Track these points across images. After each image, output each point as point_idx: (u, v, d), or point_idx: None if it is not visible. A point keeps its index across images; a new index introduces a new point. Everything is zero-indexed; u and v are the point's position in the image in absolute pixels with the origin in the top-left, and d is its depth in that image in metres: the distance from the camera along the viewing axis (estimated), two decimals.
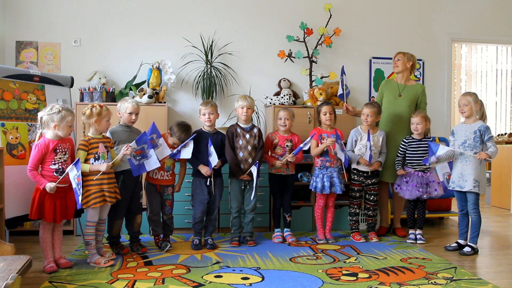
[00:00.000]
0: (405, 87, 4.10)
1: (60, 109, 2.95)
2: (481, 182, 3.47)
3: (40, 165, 2.94)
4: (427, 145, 3.80)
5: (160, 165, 3.32)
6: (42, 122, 2.96)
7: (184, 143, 3.46)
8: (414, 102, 4.08)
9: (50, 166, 2.93)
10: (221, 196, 3.71)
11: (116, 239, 3.49)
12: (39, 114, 2.99)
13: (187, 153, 3.47)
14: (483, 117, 3.55)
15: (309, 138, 3.75)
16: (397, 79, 4.18)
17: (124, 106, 3.40)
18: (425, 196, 3.80)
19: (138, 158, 3.24)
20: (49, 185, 2.88)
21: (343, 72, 4.12)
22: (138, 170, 3.28)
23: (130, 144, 3.16)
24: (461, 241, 3.64)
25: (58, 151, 2.96)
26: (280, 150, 3.84)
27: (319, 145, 3.81)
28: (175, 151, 3.48)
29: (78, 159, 2.96)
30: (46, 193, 2.91)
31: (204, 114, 3.64)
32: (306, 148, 3.74)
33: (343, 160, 3.75)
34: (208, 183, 3.60)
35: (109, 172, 3.13)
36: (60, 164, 2.95)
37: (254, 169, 3.53)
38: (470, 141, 3.49)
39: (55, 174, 2.93)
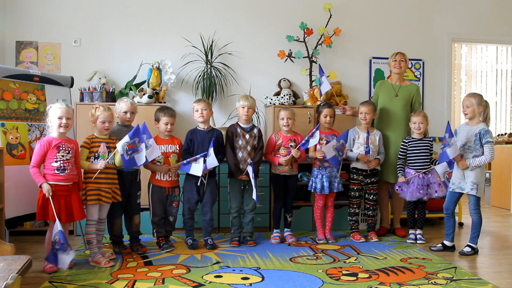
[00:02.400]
0: (400, 87, 4.14)
1: (52, 105, 3.02)
2: (480, 185, 3.45)
3: (43, 163, 2.95)
4: (427, 145, 3.82)
5: (148, 161, 3.24)
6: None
7: (197, 158, 3.44)
8: (409, 102, 4.12)
9: (52, 164, 2.93)
10: (213, 197, 3.69)
11: (119, 238, 3.50)
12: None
13: (197, 169, 3.43)
14: (486, 119, 3.49)
15: (315, 130, 3.68)
16: (392, 80, 4.21)
17: (119, 106, 3.43)
18: (425, 198, 3.81)
19: (129, 152, 3.14)
20: (46, 186, 2.88)
21: (321, 73, 4.16)
22: (129, 165, 3.19)
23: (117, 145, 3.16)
24: (447, 242, 3.61)
25: (61, 148, 2.96)
26: (284, 150, 3.81)
27: (317, 147, 3.81)
28: (185, 162, 3.46)
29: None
30: (51, 194, 2.91)
31: (197, 110, 3.63)
32: (314, 142, 3.70)
33: (328, 157, 3.68)
34: (199, 184, 3.59)
35: (108, 172, 3.15)
36: (62, 162, 2.95)
37: (249, 169, 3.51)
38: (470, 143, 3.47)
39: (56, 171, 2.93)
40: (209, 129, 3.69)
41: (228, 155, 3.65)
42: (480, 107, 3.47)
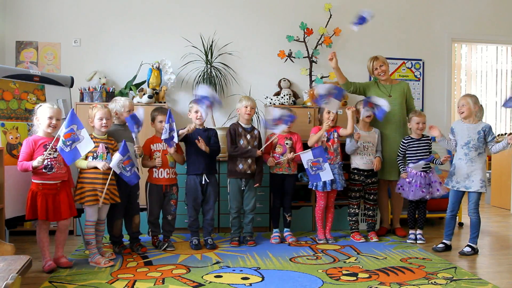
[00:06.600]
0: (391, 87, 4.18)
1: (42, 104, 3.02)
2: (486, 181, 3.51)
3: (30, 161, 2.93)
4: (426, 144, 3.85)
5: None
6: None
7: (165, 130, 3.38)
8: (404, 99, 4.17)
9: None
10: (215, 196, 3.69)
11: (118, 239, 3.50)
12: None
13: (177, 136, 3.41)
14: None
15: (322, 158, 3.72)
16: (380, 81, 4.23)
17: (121, 104, 3.42)
18: (428, 197, 3.81)
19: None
20: (38, 159, 2.84)
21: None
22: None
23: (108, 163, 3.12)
24: (448, 242, 3.64)
25: (48, 147, 2.94)
26: (280, 149, 3.84)
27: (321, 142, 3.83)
28: (163, 137, 3.40)
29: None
30: (38, 192, 2.91)
31: (196, 112, 3.61)
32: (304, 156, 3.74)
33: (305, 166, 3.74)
34: (203, 182, 3.59)
35: (105, 173, 3.13)
36: (49, 160, 2.93)
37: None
38: (474, 142, 3.49)
39: (43, 170, 2.91)
40: (204, 128, 3.69)
41: (230, 149, 3.67)
42: (476, 106, 3.54)
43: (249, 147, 3.71)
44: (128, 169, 3.18)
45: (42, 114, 2.97)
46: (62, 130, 2.90)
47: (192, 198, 3.61)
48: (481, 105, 3.61)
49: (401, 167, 3.88)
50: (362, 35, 5.10)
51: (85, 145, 2.97)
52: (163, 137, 3.42)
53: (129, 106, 3.44)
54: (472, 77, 7.23)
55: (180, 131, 3.47)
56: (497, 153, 3.56)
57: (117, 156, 3.11)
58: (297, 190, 4.34)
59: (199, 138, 3.50)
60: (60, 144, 2.89)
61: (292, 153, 3.79)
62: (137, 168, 3.38)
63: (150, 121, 3.64)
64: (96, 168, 3.12)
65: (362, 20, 3.95)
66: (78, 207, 3.29)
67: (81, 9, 4.65)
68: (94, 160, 3.14)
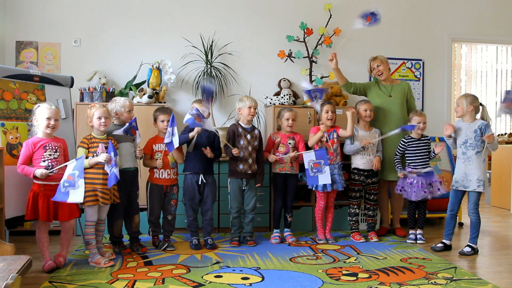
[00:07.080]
0: (392, 87, 4.18)
1: (40, 105, 3.00)
2: (485, 181, 3.51)
3: (31, 163, 2.93)
4: (426, 144, 3.86)
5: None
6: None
7: (169, 134, 3.41)
8: (405, 99, 4.17)
9: (40, 164, 2.92)
10: (213, 196, 3.69)
11: (118, 239, 3.50)
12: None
13: (176, 140, 3.40)
14: (486, 119, 3.55)
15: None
16: (381, 81, 4.24)
17: (121, 105, 3.41)
18: (429, 197, 3.81)
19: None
20: (40, 171, 2.85)
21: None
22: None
23: (108, 154, 3.10)
24: (447, 242, 3.64)
25: (47, 148, 2.94)
26: (283, 148, 3.85)
27: (320, 142, 3.85)
28: (165, 140, 3.44)
29: (83, 157, 2.97)
30: (40, 193, 2.90)
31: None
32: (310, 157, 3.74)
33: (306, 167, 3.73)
34: (200, 182, 3.59)
35: (105, 173, 3.13)
36: (50, 161, 2.93)
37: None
38: (471, 141, 3.49)
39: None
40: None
41: (228, 150, 3.67)
42: (470, 107, 3.53)
43: (249, 148, 3.71)
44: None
45: (40, 115, 2.96)
46: (69, 170, 2.88)
47: (189, 197, 3.61)
48: (481, 104, 3.59)
49: (398, 166, 3.88)
50: (362, 35, 5.10)
51: (77, 195, 2.88)
52: (165, 141, 3.45)
53: (129, 106, 3.44)
54: (472, 77, 7.23)
55: (190, 135, 3.49)
56: (496, 151, 3.55)
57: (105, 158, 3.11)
58: (297, 190, 4.33)
59: (208, 147, 3.54)
60: (61, 182, 2.87)
61: (295, 151, 3.79)
62: (139, 170, 3.38)
63: (153, 121, 3.64)
64: (95, 168, 3.12)
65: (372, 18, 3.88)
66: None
67: (81, 9, 4.65)
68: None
